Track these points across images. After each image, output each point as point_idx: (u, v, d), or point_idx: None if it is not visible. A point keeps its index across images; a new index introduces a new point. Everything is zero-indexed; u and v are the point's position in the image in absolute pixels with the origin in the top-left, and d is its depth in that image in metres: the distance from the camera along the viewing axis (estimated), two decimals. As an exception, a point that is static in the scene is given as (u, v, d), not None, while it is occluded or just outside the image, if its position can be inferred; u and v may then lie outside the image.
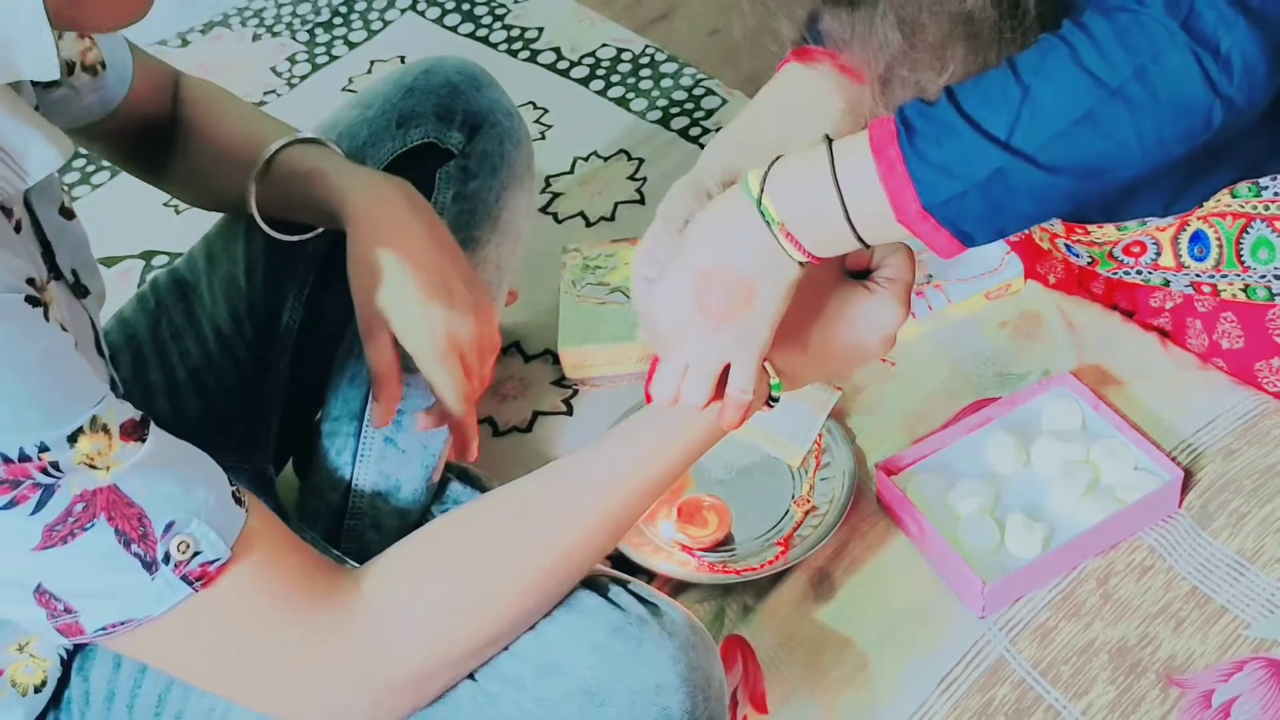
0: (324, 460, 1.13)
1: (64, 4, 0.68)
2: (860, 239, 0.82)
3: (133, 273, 1.71)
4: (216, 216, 1.21)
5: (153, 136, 1.12)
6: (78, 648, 0.91)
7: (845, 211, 0.81)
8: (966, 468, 1.22)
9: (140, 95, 1.07)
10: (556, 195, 1.75)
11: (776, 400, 0.92)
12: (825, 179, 0.81)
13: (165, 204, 1.73)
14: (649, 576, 1.18)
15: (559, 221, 1.71)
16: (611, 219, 1.70)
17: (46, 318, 0.71)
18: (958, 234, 0.81)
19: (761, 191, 0.83)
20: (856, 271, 0.92)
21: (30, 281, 0.70)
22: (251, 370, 1.18)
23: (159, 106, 1.12)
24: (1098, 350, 1.31)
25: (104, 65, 1.03)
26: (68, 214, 0.87)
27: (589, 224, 1.70)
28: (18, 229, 0.75)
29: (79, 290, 0.86)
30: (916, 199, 0.80)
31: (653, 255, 0.94)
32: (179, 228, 1.65)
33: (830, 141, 0.83)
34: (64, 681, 0.91)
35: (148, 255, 1.73)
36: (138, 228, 1.75)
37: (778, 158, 0.84)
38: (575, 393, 1.44)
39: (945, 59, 0.90)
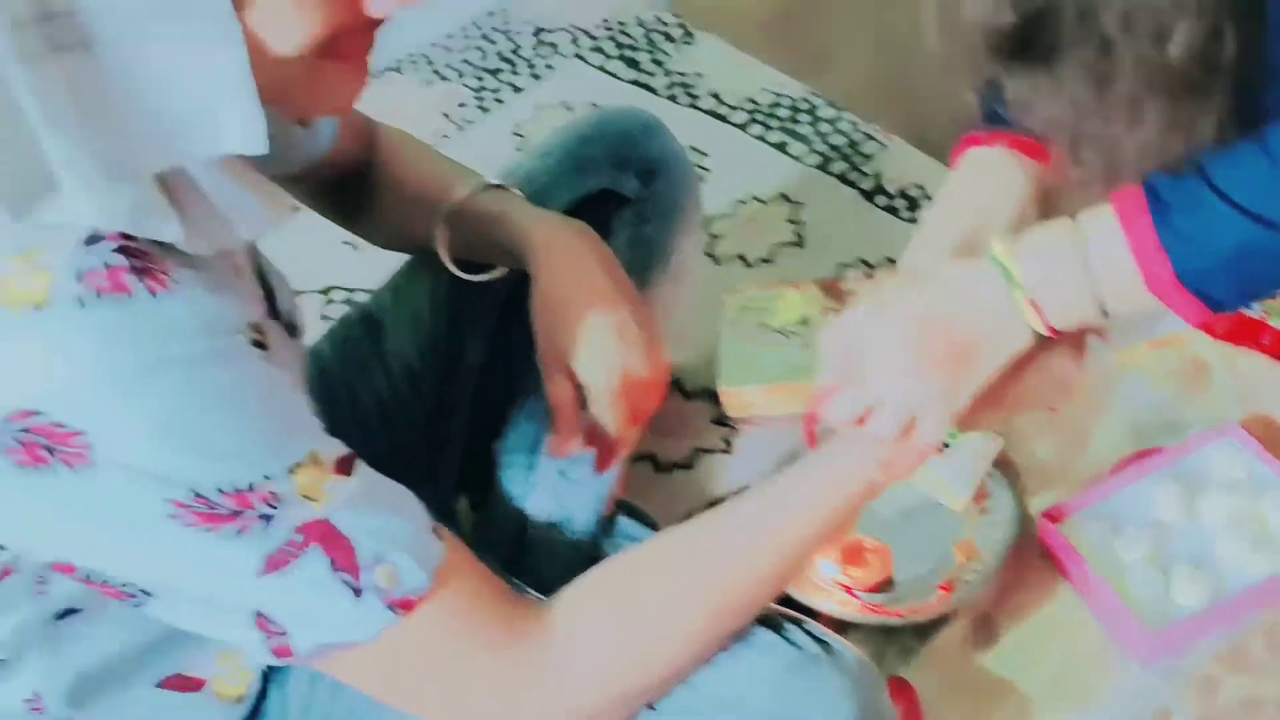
0: (500, 492, 1.16)
1: (275, 90, 0.68)
2: (1104, 310, 0.84)
3: (312, 308, 1.76)
4: (395, 254, 1.26)
5: (349, 183, 1.17)
6: (274, 662, 0.96)
7: (1093, 283, 0.83)
8: (1131, 516, 1.22)
9: (343, 144, 1.12)
10: (715, 237, 1.78)
11: (947, 446, 0.93)
12: (1073, 251, 0.84)
13: (344, 241, 1.77)
14: (811, 615, 1.19)
15: (718, 263, 1.74)
16: (770, 261, 1.73)
17: (269, 358, 0.75)
18: (1208, 302, 0.82)
19: (1009, 260, 0.85)
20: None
21: (253, 325, 0.74)
22: (434, 406, 1.22)
23: (358, 155, 1.16)
24: (1265, 401, 1.30)
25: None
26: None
27: (748, 265, 1.73)
28: (240, 274, 0.80)
29: (293, 330, 0.91)
30: (1169, 269, 0.80)
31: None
32: (357, 264, 1.70)
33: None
34: (262, 694, 0.95)
35: (326, 290, 1.80)
36: (317, 263, 1.79)
37: (1020, 233, 0.86)
38: (735, 430, 1.46)
39: (1141, 112, 0.89)
